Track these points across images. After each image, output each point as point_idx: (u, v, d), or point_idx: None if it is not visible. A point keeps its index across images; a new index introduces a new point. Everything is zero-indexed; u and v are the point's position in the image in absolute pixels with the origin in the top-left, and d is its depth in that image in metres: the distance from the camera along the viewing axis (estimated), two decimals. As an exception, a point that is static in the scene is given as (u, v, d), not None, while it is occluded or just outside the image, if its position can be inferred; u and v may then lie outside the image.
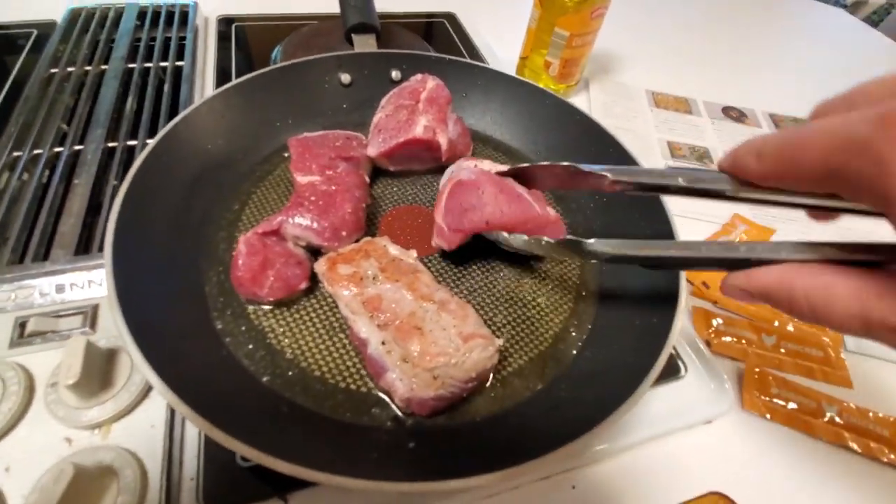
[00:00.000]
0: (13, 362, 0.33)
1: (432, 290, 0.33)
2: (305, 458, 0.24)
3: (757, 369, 0.42)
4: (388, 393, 0.31)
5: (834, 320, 0.18)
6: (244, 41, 0.66)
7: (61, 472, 0.26)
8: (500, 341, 0.31)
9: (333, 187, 0.37)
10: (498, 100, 0.52)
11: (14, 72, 0.57)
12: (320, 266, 0.34)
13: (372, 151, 0.42)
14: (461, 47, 0.71)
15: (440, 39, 0.72)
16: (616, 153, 0.45)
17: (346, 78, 0.50)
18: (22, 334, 0.34)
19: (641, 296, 0.37)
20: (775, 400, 0.40)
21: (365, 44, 0.51)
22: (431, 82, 0.45)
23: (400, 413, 0.31)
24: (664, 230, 0.39)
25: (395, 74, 0.52)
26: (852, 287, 0.18)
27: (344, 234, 0.36)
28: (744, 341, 0.44)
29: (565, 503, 0.33)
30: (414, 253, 0.36)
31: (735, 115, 0.70)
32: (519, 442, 0.30)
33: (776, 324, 0.45)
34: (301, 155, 0.39)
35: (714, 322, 0.44)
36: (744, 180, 0.22)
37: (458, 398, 0.31)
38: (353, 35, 0.52)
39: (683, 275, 0.35)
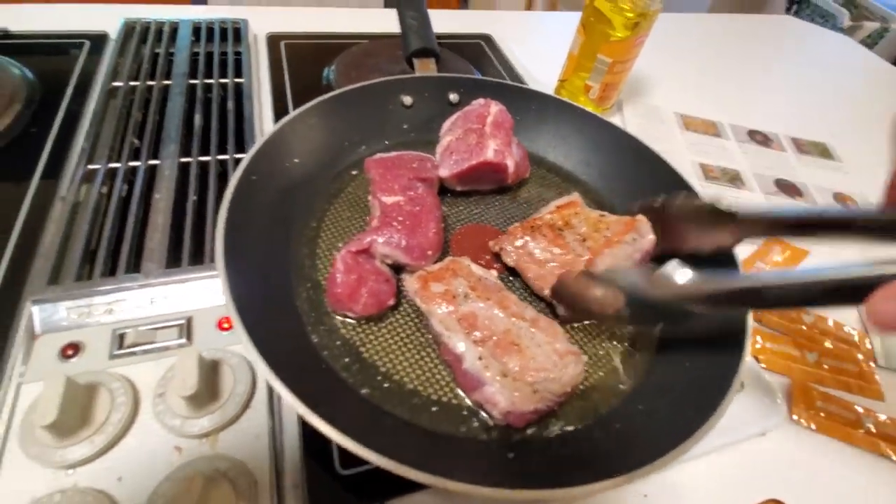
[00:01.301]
0: (117, 373, 0.34)
1: (521, 308, 0.35)
2: (425, 465, 0.26)
3: (802, 384, 0.44)
4: (481, 405, 0.33)
5: None
6: (293, 58, 0.68)
7: (192, 481, 0.27)
8: (585, 357, 0.34)
9: (417, 208, 0.39)
10: (551, 123, 0.54)
11: (72, 82, 0.58)
12: (412, 284, 0.36)
13: (444, 172, 0.44)
14: (500, 68, 0.74)
15: (479, 60, 0.75)
16: (668, 177, 0.47)
17: (407, 100, 0.52)
18: (121, 346, 0.36)
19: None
20: (819, 413, 0.43)
21: (426, 67, 0.54)
22: (495, 107, 0.48)
23: (491, 423, 0.33)
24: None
25: (452, 97, 0.54)
26: None
27: (430, 253, 0.38)
28: (789, 357, 0.47)
29: (639, 511, 0.35)
30: (494, 273, 0.38)
31: (760, 138, 0.74)
32: (606, 454, 0.32)
33: (815, 342, 0.48)
34: (383, 176, 0.41)
35: (762, 340, 0.47)
36: None
37: (550, 411, 0.33)
38: (414, 59, 0.54)
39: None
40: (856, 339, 0.49)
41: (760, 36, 1.10)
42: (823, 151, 0.74)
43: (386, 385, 0.34)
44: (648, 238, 0.41)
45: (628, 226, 0.41)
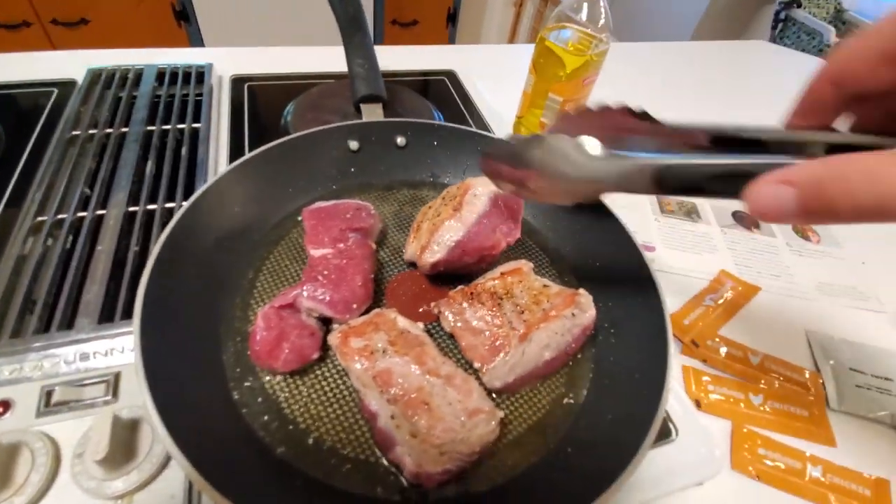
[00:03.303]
0: (40, 432, 0.34)
1: (438, 364, 0.35)
2: None
3: (745, 429, 0.44)
4: (396, 465, 0.33)
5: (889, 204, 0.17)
6: (256, 100, 0.70)
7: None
8: (501, 413, 0.34)
9: (344, 261, 0.39)
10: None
11: (36, 132, 0.60)
12: (334, 339, 0.36)
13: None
14: (461, 104, 0.75)
15: (440, 96, 0.76)
16: (609, 221, 0.48)
17: (354, 145, 0.53)
18: (48, 403, 0.36)
19: (632, 361, 0.39)
20: (763, 461, 0.42)
21: (373, 113, 0.55)
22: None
23: (407, 484, 0.33)
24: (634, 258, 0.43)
25: (399, 140, 0.55)
26: None
27: (355, 306, 0.38)
28: (731, 400, 0.46)
29: (565, 568, 0.35)
30: (421, 325, 0.38)
31: (721, 169, 0.74)
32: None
33: (762, 384, 0.48)
34: (314, 228, 0.41)
35: (704, 381, 0.47)
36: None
37: (464, 470, 0.33)
38: (361, 105, 0.55)
39: (671, 342, 0.37)
40: (807, 379, 0.48)
41: (736, 63, 1.11)
42: (787, 180, 0.74)
43: (304, 443, 0.34)
44: (588, 314, 0.40)
45: (568, 300, 0.39)
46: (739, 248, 0.61)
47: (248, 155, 0.47)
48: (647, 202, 0.66)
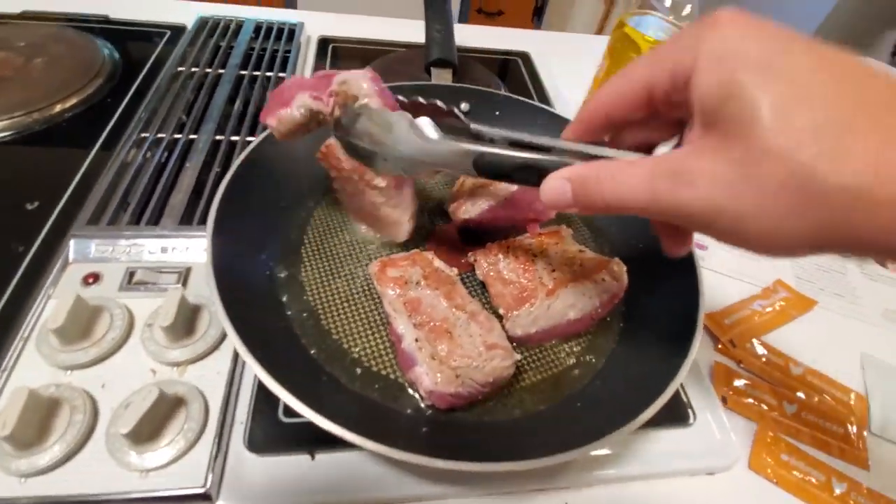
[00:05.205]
0: (120, 302, 0.40)
1: (465, 302, 0.37)
2: (343, 421, 0.29)
3: (771, 434, 0.42)
4: (413, 384, 0.36)
5: (626, 200, 0.22)
6: (337, 59, 0.75)
7: (149, 392, 0.32)
8: (518, 356, 0.35)
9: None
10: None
11: (147, 65, 0.68)
12: (373, 268, 0.40)
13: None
14: (529, 85, 0.76)
15: (512, 76, 0.78)
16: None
17: (420, 104, 0.56)
18: (130, 281, 0.42)
19: (656, 339, 0.39)
20: (785, 467, 0.40)
21: (441, 77, 0.58)
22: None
23: (421, 404, 0.36)
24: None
25: (463, 106, 0.57)
26: (642, 169, 0.22)
27: None
28: (763, 405, 0.44)
29: (556, 517, 0.36)
30: (455, 270, 0.41)
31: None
32: (516, 447, 0.33)
33: (800, 395, 0.45)
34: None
35: (736, 382, 0.45)
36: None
37: (474, 399, 0.35)
38: (432, 68, 0.58)
39: (700, 326, 0.37)
40: (850, 399, 0.46)
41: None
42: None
43: (334, 349, 0.38)
44: (618, 282, 0.40)
45: (601, 265, 0.40)
46: (804, 263, 0.58)
47: (323, 100, 0.51)
48: (705, 201, 0.64)
